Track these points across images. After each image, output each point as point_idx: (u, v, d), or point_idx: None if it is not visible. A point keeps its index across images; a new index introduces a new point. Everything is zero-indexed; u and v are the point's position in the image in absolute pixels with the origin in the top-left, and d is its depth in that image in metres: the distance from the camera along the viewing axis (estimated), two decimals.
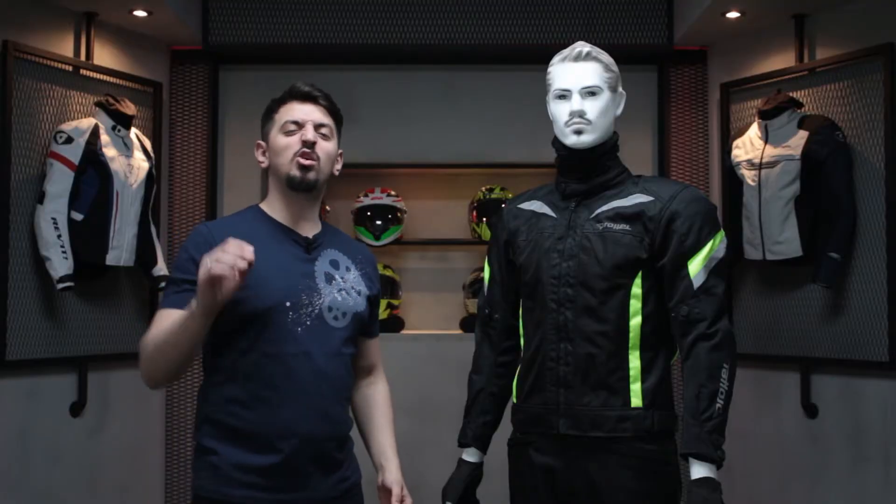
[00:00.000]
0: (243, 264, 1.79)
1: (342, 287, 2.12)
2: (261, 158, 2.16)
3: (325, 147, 2.10)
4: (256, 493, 1.98)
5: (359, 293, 2.15)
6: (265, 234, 2.07)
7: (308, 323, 2.02)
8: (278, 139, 2.09)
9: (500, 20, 4.28)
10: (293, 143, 2.08)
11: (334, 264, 2.14)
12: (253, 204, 2.21)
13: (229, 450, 1.99)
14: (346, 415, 2.14)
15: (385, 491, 2.15)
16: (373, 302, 2.21)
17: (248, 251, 1.80)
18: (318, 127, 2.10)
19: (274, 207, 2.14)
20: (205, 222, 2.12)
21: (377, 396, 2.28)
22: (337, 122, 2.16)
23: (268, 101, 2.15)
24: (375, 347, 2.29)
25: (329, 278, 2.10)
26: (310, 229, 2.14)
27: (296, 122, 2.09)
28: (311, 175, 2.08)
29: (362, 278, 2.18)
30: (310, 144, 2.07)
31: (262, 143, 2.15)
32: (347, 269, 2.16)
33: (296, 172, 2.07)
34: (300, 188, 2.08)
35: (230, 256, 1.78)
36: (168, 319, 1.93)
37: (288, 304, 2.01)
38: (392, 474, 2.16)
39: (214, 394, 2.03)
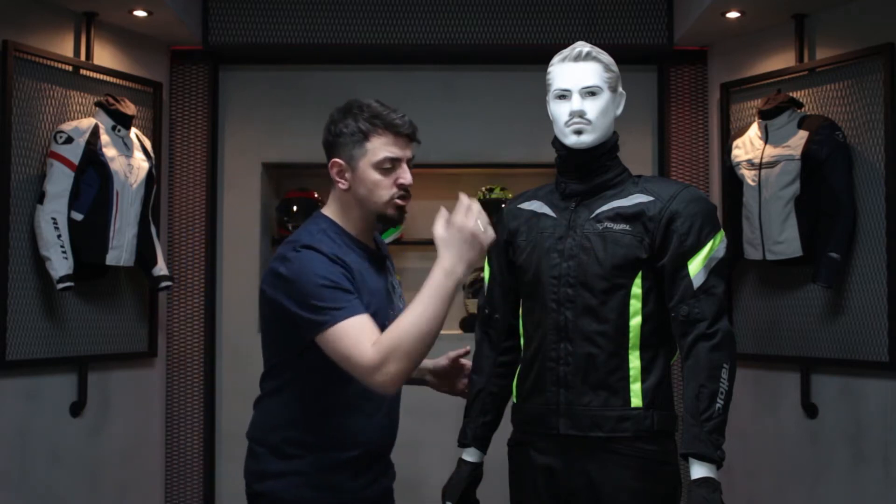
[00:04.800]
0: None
1: (399, 294, 2.20)
2: (339, 180, 2.08)
3: (412, 180, 2.10)
4: (333, 494, 2.05)
5: (403, 296, 2.22)
6: (360, 256, 2.08)
7: None
8: (372, 174, 2.04)
9: (500, 20, 4.28)
10: (389, 182, 2.04)
11: (390, 272, 2.20)
12: (319, 215, 2.13)
13: (315, 455, 2.04)
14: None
15: None
16: None
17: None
18: (409, 161, 2.09)
19: (348, 223, 2.10)
20: (308, 246, 1.99)
21: None
22: None
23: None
24: None
25: (393, 288, 2.16)
26: (373, 242, 2.17)
27: (394, 161, 2.05)
28: (405, 212, 2.10)
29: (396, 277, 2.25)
30: (408, 188, 2.07)
31: (343, 163, 2.06)
32: (392, 273, 2.22)
33: (393, 213, 2.07)
34: (393, 224, 2.11)
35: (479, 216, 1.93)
36: (402, 319, 1.91)
37: (386, 323, 2.04)
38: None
39: (299, 403, 2.05)
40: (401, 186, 2.05)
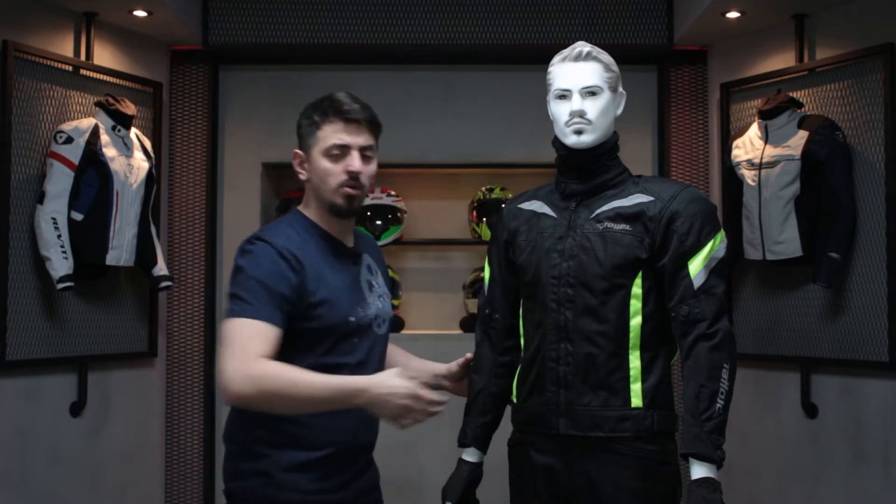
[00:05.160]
0: (436, 410, 1.90)
1: (380, 294, 2.17)
2: (300, 170, 2.11)
3: (369, 171, 2.08)
4: (299, 495, 2.01)
5: (387, 297, 2.20)
6: (324, 250, 2.06)
7: (363, 334, 2.06)
8: (322, 162, 2.05)
9: (500, 20, 4.28)
10: (338, 170, 2.04)
11: (370, 270, 2.17)
12: (295, 210, 2.15)
13: (282, 454, 2.01)
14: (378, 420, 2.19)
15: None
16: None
17: (441, 402, 1.90)
18: (362, 149, 2.07)
19: (314, 214, 2.11)
20: (262, 238, 2.01)
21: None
22: (378, 136, 2.14)
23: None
24: None
25: (370, 286, 2.13)
26: (349, 237, 2.15)
27: (342, 147, 2.04)
28: (355, 203, 2.08)
29: (383, 278, 2.22)
30: (356, 175, 2.05)
31: (302, 153, 2.10)
32: (375, 272, 2.19)
33: (340, 202, 2.05)
34: (342, 216, 2.08)
35: (425, 412, 1.89)
36: (297, 372, 1.88)
37: (352, 319, 2.04)
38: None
39: None
40: (350, 174, 2.03)
